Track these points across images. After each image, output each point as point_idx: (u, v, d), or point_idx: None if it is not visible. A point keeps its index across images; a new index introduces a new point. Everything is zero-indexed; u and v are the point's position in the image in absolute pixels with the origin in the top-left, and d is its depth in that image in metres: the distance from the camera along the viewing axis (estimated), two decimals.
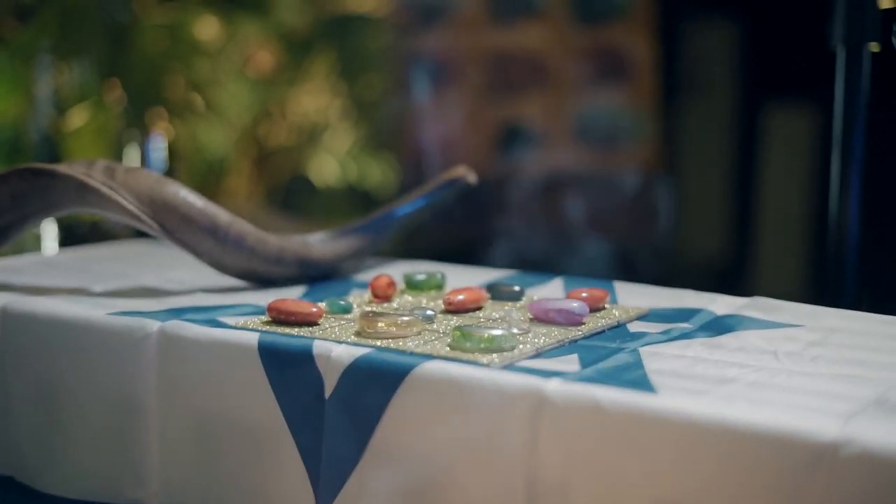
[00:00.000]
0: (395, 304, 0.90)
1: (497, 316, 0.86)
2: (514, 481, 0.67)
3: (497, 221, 2.37)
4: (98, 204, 0.93)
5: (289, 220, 2.41)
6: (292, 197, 2.51)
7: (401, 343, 0.76)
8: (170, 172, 2.14)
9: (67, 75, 2.09)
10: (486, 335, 0.74)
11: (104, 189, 0.92)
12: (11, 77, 2.01)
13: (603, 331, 0.83)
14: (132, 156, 2.14)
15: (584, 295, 0.88)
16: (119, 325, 0.82)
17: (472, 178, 1.08)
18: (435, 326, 0.82)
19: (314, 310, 0.82)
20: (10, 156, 1.99)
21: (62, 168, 0.93)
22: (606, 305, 0.89)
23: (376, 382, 0.71)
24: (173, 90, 2.22)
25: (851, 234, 1.12)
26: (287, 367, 0.75)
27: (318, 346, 0.75)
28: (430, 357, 0.72)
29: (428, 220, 1.11)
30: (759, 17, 2.26)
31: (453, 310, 0.87)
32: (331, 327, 0.81)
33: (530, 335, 0.79)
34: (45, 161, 1.50)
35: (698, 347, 0.77)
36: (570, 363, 0.72)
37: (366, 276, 1.05)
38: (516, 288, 0.93)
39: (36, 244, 1.91)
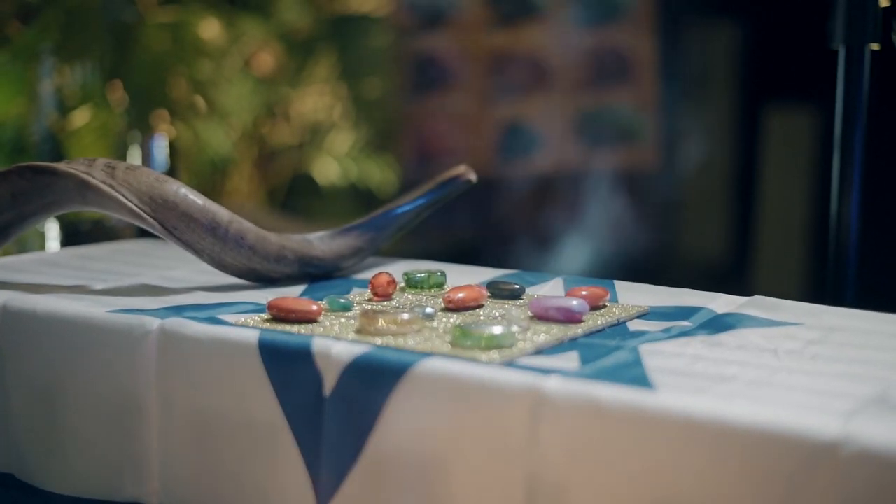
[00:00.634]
0: (395, 302, 0.90)
1: (497, 314, 0.86)
2: (514, 478, 0.67)
3: (497, 221, 2.37)
4: (98, 202, 0.93)
5: (290, 219, 2.41)
6: (294, 197, 2.51)
7: (401, 341, 0.76)
8: (172, 172, 2.14)
9: (70, 75, 2.09)
10: (485, 333, 0.74)
11: (104, 187, 0.92)
12: (15, 77, 2.01)
13: (603, 329, 0.83)
14: (135, 156, 2.14)
15: (584, 293, 0.87)
16: (119, 322, 0.82)
17: (472, 176, 1.08)
18: (435, 324, 0.82)
19: (314, 308, 0.82)
20: (13, 156, 1.99)
21: (62, 166, 0.93)
22: (606, 304, 0.89)
23: (376, 380, 0.71)
24: (176, 91, 2.22)
25: (851, 234, 1.12)
26: (287, 365, 0.75)
27: (318, 344, 0.75)
28: (429, 355, 0.72)
29: (428, 220, 1.11)
30: (759, 17, 2.26)
31: (453, 308, 0.87)
32: (331, 325, 0.81)
33: (530, 333, 0.79)
34: (47, 161, 1.50)
35: (698, 345, 0.77)
36: (570, 361, 0.72)
37: (366, 274, 1.05)
38: (516, 286, 0.92)
39: (40, 243, 1.91)
